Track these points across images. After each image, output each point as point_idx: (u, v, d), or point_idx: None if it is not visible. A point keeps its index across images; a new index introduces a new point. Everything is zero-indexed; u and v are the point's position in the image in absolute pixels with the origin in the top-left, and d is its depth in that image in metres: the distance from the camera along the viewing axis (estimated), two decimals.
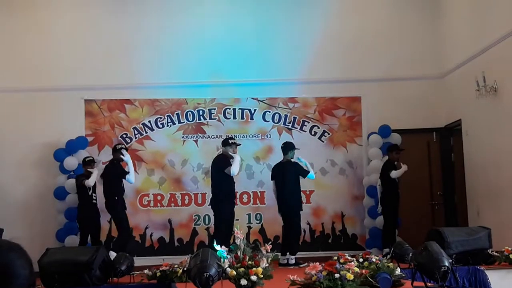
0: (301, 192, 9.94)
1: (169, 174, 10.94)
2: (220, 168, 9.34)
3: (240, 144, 9.68)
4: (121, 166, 9.64)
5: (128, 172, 9.48)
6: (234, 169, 9.21)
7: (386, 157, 10.67)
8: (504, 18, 8.97)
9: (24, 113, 11.14)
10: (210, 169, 9.79)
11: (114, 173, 9.59)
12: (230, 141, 9.49)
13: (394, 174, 10.07)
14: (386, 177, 10.17)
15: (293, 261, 9.43)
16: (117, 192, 9.54)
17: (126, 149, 9.78)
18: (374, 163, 10.82)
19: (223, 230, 9.11)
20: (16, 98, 11.19)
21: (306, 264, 9.00)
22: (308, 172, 9.76)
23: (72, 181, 10.32)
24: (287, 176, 9.73)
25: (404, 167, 10.04)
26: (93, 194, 9.92)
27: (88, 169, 9.88)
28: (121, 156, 9.53)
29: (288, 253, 9.48)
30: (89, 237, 9.85)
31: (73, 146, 10.59)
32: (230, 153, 9.36)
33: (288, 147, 9.90)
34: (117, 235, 9.86)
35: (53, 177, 10.72)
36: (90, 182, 9.63)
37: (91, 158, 10.11)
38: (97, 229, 10.01)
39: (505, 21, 8.91)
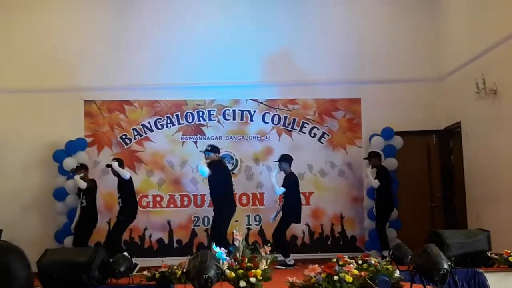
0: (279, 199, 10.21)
1: (169, 175, 10.93)
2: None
3: (209, 150, 9.66)
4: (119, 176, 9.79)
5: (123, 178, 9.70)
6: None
7: (387, 159, 10.75)
8: (504, 21, 8.97)
9: (24, 114, 11.12)
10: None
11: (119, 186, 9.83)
12: (200, 151, 9.84)
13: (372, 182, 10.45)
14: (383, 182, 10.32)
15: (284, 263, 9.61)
16: (120, 199, 9.74)
17: (120, 160, 9.94)
18: None
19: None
20: (16, 99, 11.16)
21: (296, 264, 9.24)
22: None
23: (72, 182, 10.35)
24: None
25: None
26: (83, 197, 10.05)
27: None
28: (111, 169, 9.75)
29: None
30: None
31: (72, 147, 10.59)
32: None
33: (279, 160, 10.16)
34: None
35: (52, 178, 10.71)
36: (76, 177, 10.07)
37: (78, 165, 10.28)
38: (85, 232, 10.08)
39: (505, 24, 8.91)
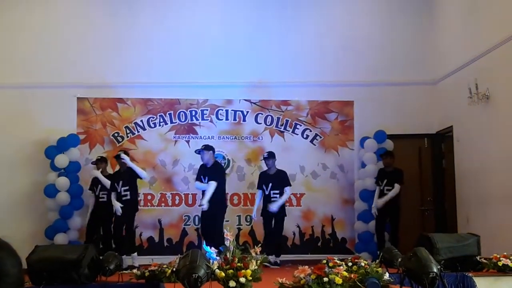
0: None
1: (160, 174, 10.91)
2: None
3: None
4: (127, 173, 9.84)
5: (138, 176, 9.82)
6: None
7: (379, 163, 10.76)
8: (497, 26, 9.02)
9: (16, 109, 11.09)
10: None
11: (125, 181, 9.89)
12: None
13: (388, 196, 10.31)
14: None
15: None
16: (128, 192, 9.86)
17: (127, 153, 9.96)
18: (369, 167, 10.82)
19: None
20: (8, 95, 11.15)
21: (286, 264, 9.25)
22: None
23: (63, 179, 10.33)
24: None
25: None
26: (101, 193, 10.15)
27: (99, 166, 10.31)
28: (122, 160, 9.75)
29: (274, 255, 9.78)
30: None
31: (64, 144, 10.55)
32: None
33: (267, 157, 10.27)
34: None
35: (43, 175, 10.67)
36: (96, 173, 10.23)
37: (100, 157, 10.36)
38: (105, 227, 10.21)
39: (498, 29, 8.95)
